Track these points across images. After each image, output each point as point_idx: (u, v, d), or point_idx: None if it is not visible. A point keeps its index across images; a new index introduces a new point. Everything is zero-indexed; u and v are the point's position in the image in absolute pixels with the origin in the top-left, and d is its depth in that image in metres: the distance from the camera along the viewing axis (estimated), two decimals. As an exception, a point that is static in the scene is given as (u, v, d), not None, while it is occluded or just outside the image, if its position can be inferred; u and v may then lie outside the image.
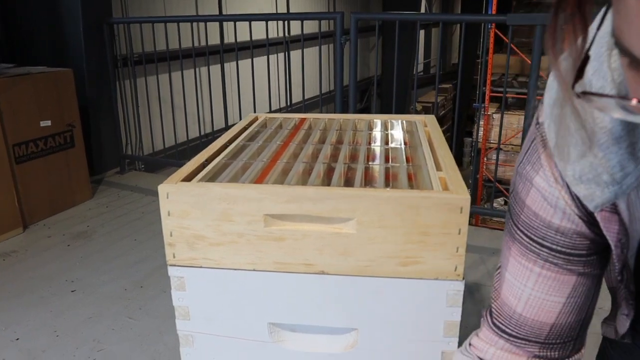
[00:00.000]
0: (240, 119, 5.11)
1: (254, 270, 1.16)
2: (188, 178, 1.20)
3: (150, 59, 4.92)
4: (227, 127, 5.07)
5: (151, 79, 4.99)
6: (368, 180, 1.23)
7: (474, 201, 8.31)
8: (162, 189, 1.13)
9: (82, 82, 4.66)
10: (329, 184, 1.18)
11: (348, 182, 1.22)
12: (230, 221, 1.12)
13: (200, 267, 1.18)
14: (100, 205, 4.42)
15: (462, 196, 1.06)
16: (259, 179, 1.23)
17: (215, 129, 5.09)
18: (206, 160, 1.33)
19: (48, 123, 4.05)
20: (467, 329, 2.66)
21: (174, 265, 1.19)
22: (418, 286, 1.13)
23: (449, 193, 1.07)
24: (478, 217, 7.83)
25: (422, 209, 1.06)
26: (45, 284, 3.21)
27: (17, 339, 2.67)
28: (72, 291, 3.13)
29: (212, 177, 1.24)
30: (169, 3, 6.69)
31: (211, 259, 1.17)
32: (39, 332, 2.73)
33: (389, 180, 1.23)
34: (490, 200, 5.41)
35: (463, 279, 1.12)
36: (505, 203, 8.29)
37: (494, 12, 8.72)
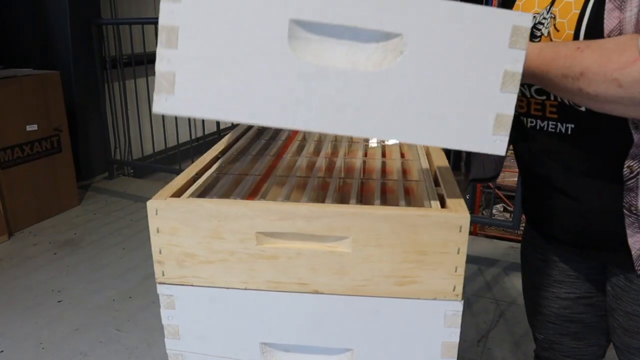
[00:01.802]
0: (232, 122, 5.13)
1: (245, 289, 1.15)
2: (178, 193, 1.19)
3: (139, 61, 4.92)
4: (219, 131, 5.08)
5: (141, 81, 4.98)
6: (364, 195, 1.23)
7: (471, 209, 8.32)
8: (151, 205, 1.12)
9: (70, 85, 4.65)
10: (323, 200, 1.18)
11: (343, 198, 1.22)
12: (221, 239, 1.12)
13: (191, 285, 1.17)
14: (88, 212, 4.41)
15: (461, 214, 1.05)
16: (252, 195, 1.23)
17: (206, 133, 5.08)
18: (196, 174, 1.32)
19: (34, 127, 4.05)
20: (465, 342, 2.67)
21: (163, 284, 1.18)
22: (415, 306, 1.12)
23: (447, 211, 1.07)
24: (476, 224, 7.84)
25: (419, 227, 1.06)
26: (30, 294, 3.20)
27: (2, 351, 2.66)
28: (59, 301, 3.12)
29: (203, 192, 1.23)
30: (160, 4, 6.69)
31: (201, 277, 1.16)
32: (24, 344, 2.73)
33: (386, 195, 1.22)
34: (490, 207, 5.39)
35: (462, 299, 1.11)
36: (504, 210, 8.29)
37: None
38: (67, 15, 4.64)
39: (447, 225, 1.05)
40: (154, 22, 4.91)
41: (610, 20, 1.04)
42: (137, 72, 4.92)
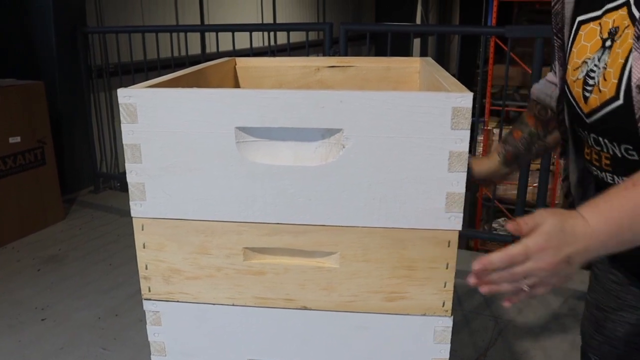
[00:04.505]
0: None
1: (233, 305, 1.19)
2: (164, 209, 1.23)
3: (126, 70, 4.95)
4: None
5: (128, 91, 5.00)
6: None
7: (472, 223, 8.33)
8: (137, 220, 1.15)
9: (54, 95, 4.67)
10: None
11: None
12: (208, 254, 1.15)
13: (177, 301, 1.20)
14: (73, 227, 4.43)
15: (449, 229, 1.09)
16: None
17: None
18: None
19: (17, 139, 4.06)
20: (462, 361, 2.67)
21: (150, 299, 1.22)
22: (404, 322, 1.16)
23: (435, 226, 1.10)
24: (477, 239, 7.87)
25: (407, 242, 1.09)
26: (13, 311, 3.21)
27: (-17, 371, 2.67)
28: (43, 319, 3.13)
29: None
30: (147, 12, 6.72)
31: (188, 293, 1.19)
32: (6, 365, 2.74)
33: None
34: (490, 220, 5.42)
35: (451, 315, 1.15)
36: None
37: (494, 20, 8.79)
38: (51, 23, 4.67)
39: (435, 240, 1.09)
40: (142, 30, 4.95)
41: (637, 68, 1.05)
42: (124, 81, 4.93)
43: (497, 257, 0.98)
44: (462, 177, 1.05)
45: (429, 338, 1.17)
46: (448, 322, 1.15)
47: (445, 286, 1.12)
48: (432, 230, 1.09)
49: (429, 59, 1.64)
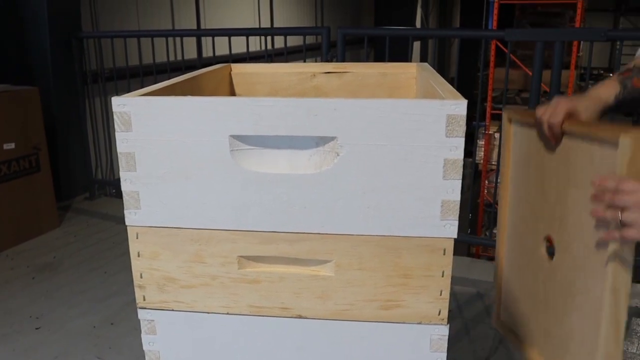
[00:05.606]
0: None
1: (227, 314, 1.20)
2: (159, 217, 1.24)
3: (122, 75, 4.95)
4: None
5: (124, 96, 5.01)
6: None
7: (473, 230, 8.32)
8: (132, 229, 1.17)
9: (49, 101, 4.67)
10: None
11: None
12: (202, 263, 1.17)
13: (172, 310, 1.21)
14: (68, 234, 4.42)
15: (445, 237, 1.10)
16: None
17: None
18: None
19: (12, 146, 4.06)
20: (461, 369, 2.67)
21: (144, 308, 1.23)
22: (400, 331, 1.17)
23: (430, 234, 1.11)
24: (478, 246, 7.86)
25: (402, 250, 1.11)
26: (7, 320, 3.21)
27: (-24, 381, 2.67)
28: (37, 328, 3.13)
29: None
30: (143, 16, 6.73)
31: (183, 302, 1.20)
32: (0, 374, 2.73)
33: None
34: (491, 226, 5.43)
35: (448, 323, 1.16)
36: (508, 229, 8.28)
37: (494, 23, 8.81)
38: (46, 28, 4.67)
39: (431, 248, 1.10)
40: (137, 35, 4.96)
41: None
42: (119, 86, 4.94)
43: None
44: (457, 185, 1.07)
45: (425, 346, 1.17)
46: (444, 330, 1.16)
47: (441, 294, 1.13)
48: (427, 238, 1.10)
49: (425, 65, 1.65)
